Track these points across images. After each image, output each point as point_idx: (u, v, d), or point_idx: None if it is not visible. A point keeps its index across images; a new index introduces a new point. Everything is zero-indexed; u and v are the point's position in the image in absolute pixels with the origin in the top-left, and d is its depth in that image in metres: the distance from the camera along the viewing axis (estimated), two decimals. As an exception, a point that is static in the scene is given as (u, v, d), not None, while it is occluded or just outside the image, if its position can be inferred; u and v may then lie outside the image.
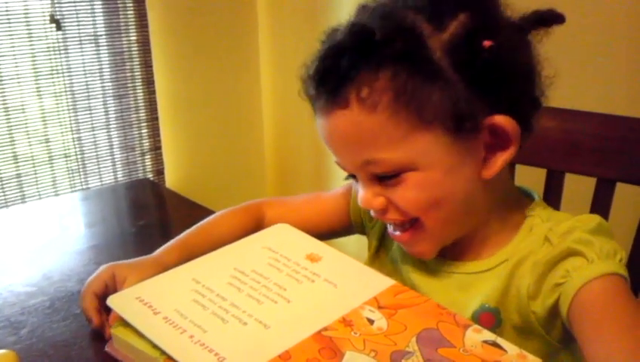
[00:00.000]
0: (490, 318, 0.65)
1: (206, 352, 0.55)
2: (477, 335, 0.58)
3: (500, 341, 0.58)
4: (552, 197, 0.95)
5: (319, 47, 0.63)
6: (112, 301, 0.63)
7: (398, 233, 0.68)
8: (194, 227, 0.81)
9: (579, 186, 0.96)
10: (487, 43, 0.58)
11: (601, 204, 0.90)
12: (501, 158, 0.62)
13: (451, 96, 0.58)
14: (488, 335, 0.59)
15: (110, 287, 0.69)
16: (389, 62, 0.58)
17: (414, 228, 0.66)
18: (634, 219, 0.88)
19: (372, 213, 0.68)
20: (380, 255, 0.80)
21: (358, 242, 0.89)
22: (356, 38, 0.59)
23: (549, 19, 0.63)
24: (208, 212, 0.88)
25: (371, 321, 0.60)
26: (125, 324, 0.61)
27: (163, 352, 0.56)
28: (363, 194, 0.65)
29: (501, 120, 0.60)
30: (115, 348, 0.62)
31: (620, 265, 0.59)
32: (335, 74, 0.59)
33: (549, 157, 0.91)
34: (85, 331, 0.69)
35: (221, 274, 0.67)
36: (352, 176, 0.67)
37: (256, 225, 0.82)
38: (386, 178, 0.63)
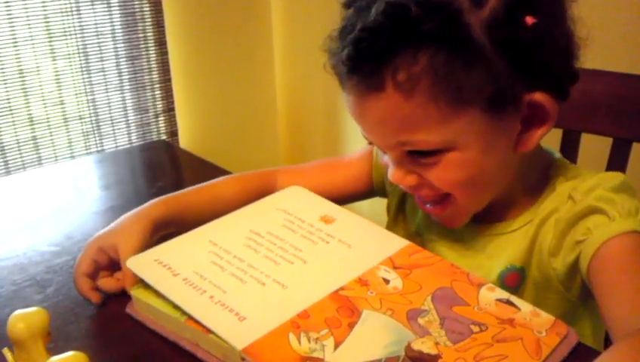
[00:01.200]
0: (516, 277, 0.66)
1: (226, 312, 0.57)
2: (490, 294, 0.60)
3: (514, 299, 0.59)
4: (568, 157, 0.94)
5: (345, 21, 0.61)
6: (131, 263, 0.64)
7: (429, 206, 0.68)
8: (191, 187, 0.80)
9: (595, 146, 0.96)
10: (529, 20, 0.56)
11: (616, 165, 0.90)
12: (538, 133, 0.62)
13: (491, 75, 0.56)
14: (502, 294, 0.60)
15: (101, 262, 0.67)
16: (426, 42, 0.55)
17: (446, 202, 0.66)
18: (649, 179, 0.88)
19: (402, 186, 0.67)
20: (399, 219, 0.81)
21: (371, 206, 0.90)
22: (392, 19, 0.55)
23: None
24: (227, 174, 0.89)
25: (387, 281, 0.61)
26: (145, 286, 0.63)
27: (184, 312, 0.58)
28: (394, 171, 0.64)
29: (541, 97, 0.59)
30: (135, 309, 0.64)
31: None
32: (370, 57, 0.57)
33: (566, 116, 0.90)
34: (109, 289, 0.70)
35: (237, 236, 0.68)
36: (382, 149, 0.67)
37: (264, 192, 0.80)
38: (421, 157, 0.62)
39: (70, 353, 0.46)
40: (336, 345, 0.53)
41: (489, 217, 0.70)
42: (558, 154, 0.72)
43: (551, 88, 0.59)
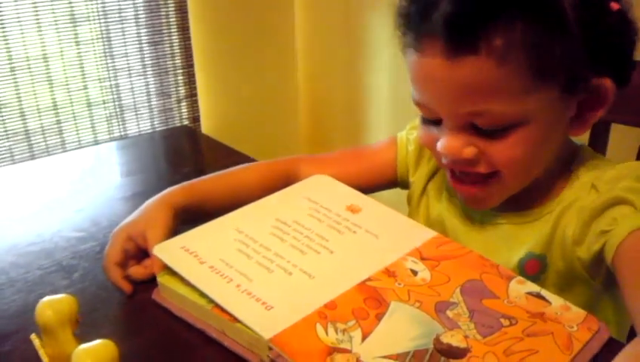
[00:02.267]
0: (535, 265, 0.66)
1: (253, 301, 0.56)
2: (521, 287, 0.59)
3: (544, 292, 0.58)
4: (597, 148, 0.93)
5: None
6: (158, 250, 0.64)
7: (466, 185, 0.66)
8: (214, 173, 0.80)
9: (625, 137, 0.94)
10: (614, 5, 0.58)
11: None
12: (591, 119, 0.63)
13: (572, 52, 0.57)
14: (532, 287, 0.59)
15: (130, 251, 0.68)
16: (524, 10, 0.55)
17: (491, 181, 0.65)
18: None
19: (445, 160, 0.65)
20: (420, 207, 0.80)
21: (390, 196, 0.89)
22: None
23: None
24: (250, 160, 0.88)
25: (415, 272, 0.61)
26: (171, 273, 0.63)
27: (210, 300, 0.58)
28: (450, 141, 0.62)
29: (608, 83, 0.60)
30: (161, 296, 0.64)
31: None
32: (472, 17, 0.56)
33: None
34: (135, 276, 0.71)
35: (263, 225, 0.68)
36: (431, 121, 0.65)
37: (286, 181, 0.80)
38: (488, 130, 0.61)
39: (98, 341, 0.46)
40: (364, 337, 0.52)
41: (512, 205, 0.69)
42: (581, 142, 0.71)
43: (615, 75, 0.61)
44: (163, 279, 0.63)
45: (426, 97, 0.63)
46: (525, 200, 0.68)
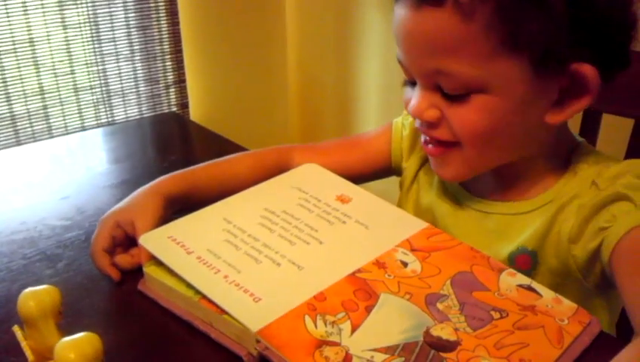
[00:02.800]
0: (526, 260, 0.65)
1: (241, 292, 0.56)
2: (511, 279, 0.58)
3: (535, 285, 0.58)
4: (588, 138, 0.93)
5: None
6: (143, 240, 0.63)
7: (431, 146, 0.65)
8: (205, 162, 0.79)
9: (615, 127, 0.93)
10: None
11: (637, 147, 0.88)
12: (573, 107, 0.60)
13: (551, 29, 0.55)
14: (523, 279, 0.58)
15: (118, 238, 0.67)
16: None
17: (450, 150, 0.64)
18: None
19: (417, 123, 0.65)
20: (411, 193, 0.79)
21: (382, 184, 0.88)
22: None
23: None
24: (240, 148, 0.87)
25: (405, 264, 0.60)
26: (158, 263, 0.62)
27: (198, 292, 0.57)
28: (417, 101, 0.62)
29: (587, 69, 0.57)
30: (147, 287, 0.63)
31: None
32: None
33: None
34: (121, 266, 0.69)
35: (252, 215, 0.67)
36: (410, 83, 0.65)
37: (278, 171, 0.79)
38: (451, 94, 0.60)
39: (82, 334, 0.45)
40: (353, 329, 0.52)
41: (504, 195, 0.68)
42: (581, 139, 0.70)
43: (600, 64, 0.58)
44: (149, 269, 0.62)
45: (401, 52, 0.62)
46: (520, 190, 0.67)
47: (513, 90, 0.58)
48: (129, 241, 0.67)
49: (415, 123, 0.66)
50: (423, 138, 0.67)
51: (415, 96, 0.63)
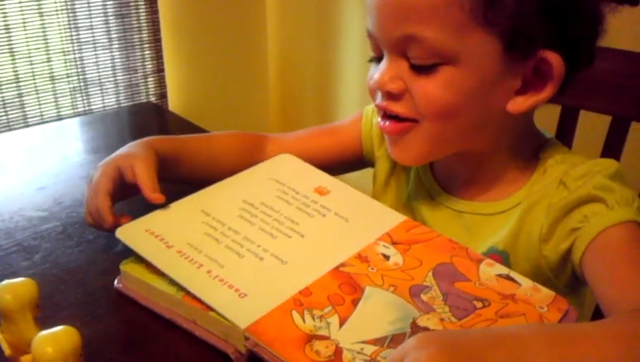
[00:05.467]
0: (498, 261, 0.66)
1: (226, 288, 0.55)
2: (490, 269, 0.59)
3: (514, 274, 0.59)
4: (565, 134, 0.94)
5: None
6: (120, 233, 0.62)
7: (389, 123, 0.64)
8: (192, 135, 0.80)
9: (592, 124, 0.95)
10: None
11: (614, 143, 0.89)
12: (532, 98, 0.60)
13: (523, 7, 0.56)
14: (501, 269, 0.60)
15: (118, 183, 0.67)
16: None
17: (408, 126, 0.63)
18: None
19: (378, 98, 0.65)
20: (389, 186, 0.79)
21: (359, 176, 0.88)
22: None
23: None
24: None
25: (387, 257, 0.60)
26: (135, 260, 0.61)
27: (180, 289, 0.56)
28: (382, 71, 0.62)
29: (553, 57, 0.58)
30: (125, 285, 0.62)
31: (638, 212, 0.59)
32: None
33: (565, 92, 0.89)
34: (100, 257, 0.69)
35: (230, 206, 0.66)
36: (377, 59, 0.64)
37: (255, 153, 0.80)
38: (418, 66, 0.60)
39: (60, 327, 0.44)
40: (341, 323, 0.52)
41: (475, 194, 0.69)
42: (550, 135, 0.70)
43: (566, 57, 0.59)
44: (127, 267, 0.61)
45: (372, 20, 0.62)
46: (489, 188, 0.68)
47: (481, 66, 0.59)
48: (124, 190, 0.68)
49: (376, 99, 0.65)
50: (380, 116, 0.66)
51: (380, 68, 0.62)
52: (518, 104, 0.61)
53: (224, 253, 0.59)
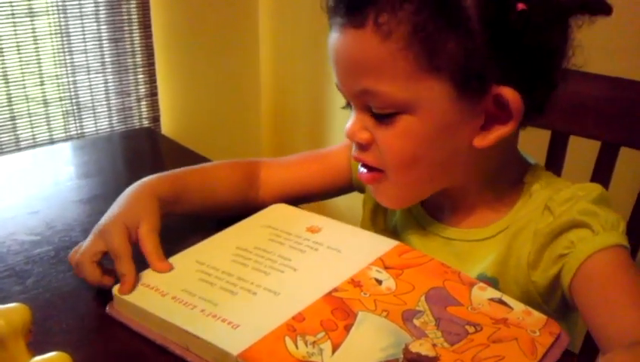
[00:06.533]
0: None
1: (219, 322, 0.55)
2: (483, 293, 0.60)
3: (506, 298, 0.59)
4: (555, 159, 0.95)
5: None
6: (117, 290, 0.62)
7: (365, 172, 0.66)
8: (189, 168, 0.79)
9: (582, 149, 0.96)
10: (520, 5, 0.56)
11: (604, 168, 0.91)
12: (497, 132, 0.61)
13: (468, 48, 0.56)
14: (493, 293, 0.60)
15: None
16: None
17: (381, 176, 0.65)
18: (635, 184, 0.88)
19: (353, 150, 0.67)
20: (378, 213, 0.79)
21: (347, 200, 0.89)
22: None
23: (595, 7, 0.60)
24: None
25: (379, 281, 0.60)
26: None
27: None
28: (351, 124, 0.64)
29: (507, 92, 0.58)
30: (117, 310, 0.62)
31: (623, 236, 0.60)
32: None
33: (555, 118, 0.90)
34: (91, 282, 0.68)
35: (224, 254, 0.66)
36: (349, 105, 0.66)
37: (249, 183, 0.80)
38: (379, 115, 0.61)
39: (53, 353, 0.44)
40: (334, 349, 0.52)
41: (462, 221, 0.69)
42: (534, 161, 0.71)
43: (523, 88, 0.59)
44: (119, 291, 0.61)
45: (335, 75, 0.64)
46: (475, 215, 0.68)
47: (437, 111, 0.59)
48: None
49: (352, 150, 0.67)
50: (359, 167, 0.68)
51: (350, 119, 0.64)
52: (483, 139, 0.61)
53: (218, 293, 0.59)
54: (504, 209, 0.67)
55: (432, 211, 0.72)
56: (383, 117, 0.61)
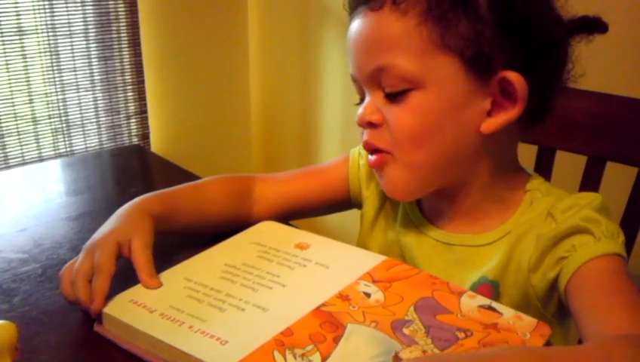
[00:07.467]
0: (488, 291, 0.67)
1: (207, 338, 0.55)
2: (472, 301, 0.60)
3: (495, 304, 0.59)
4: (542, 174, 0.95)
5: None
6: (108, 309, 0.61)
7: (372, 157, 0.68)
8: (182, 185, 0.79)
9: (569, 164, 0.97)
10: None
11: (590, 183, 0.91)
12: (503, 117, 0.63)
13: (477, 31, 0.60)
14: (483, 300, 0.60)
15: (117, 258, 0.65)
16: None
17: (386, 159, 0.66)
18: (622, 199, 0.89)
19: (363, 136, 0.68)
20: (377, 225, 0.79)
21: (341, 216, 0.89)
22: None
23: (593, 26, 0.64)
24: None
25: (368, 294, 0.61)
26: (117, 303, 0.61)
27: None
28: (364, 105, 0.66)
29: (513, 76, 0.61)
30: (105, 328, 0.61)
31: (622, 246, 0.61)
32: None
33: (541, 133, 0.91)
34: (79, 300, 0.68)
35: (212, 271, 0.66)
36: (362, 101, 0.68)
37: (242, 199, 0.80)
38: (391, 94, 0.63)
39: (40, 370, 0.44)
40: (323, 360, 0.52)
41: (463, 227, 0.70)
42: (532, 172, 0.73)
43: (527, 76, 0.61)
44: (108, 309, 0.60)
45: (351, 64, 0.67)
46: (476, 221, 0.69)
47: (446, 88, 0.62)
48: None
49: (364, 134, 0.68)
50: (369, 154, 0.69)
51: (361, 106, 0.67)
52: (490, 124, 0.63)
53: (206, 310, 0.59)
54: (505, 215, 0.68)
55: (433, 218, 0.73)
56: (395, 95, 0.63)
